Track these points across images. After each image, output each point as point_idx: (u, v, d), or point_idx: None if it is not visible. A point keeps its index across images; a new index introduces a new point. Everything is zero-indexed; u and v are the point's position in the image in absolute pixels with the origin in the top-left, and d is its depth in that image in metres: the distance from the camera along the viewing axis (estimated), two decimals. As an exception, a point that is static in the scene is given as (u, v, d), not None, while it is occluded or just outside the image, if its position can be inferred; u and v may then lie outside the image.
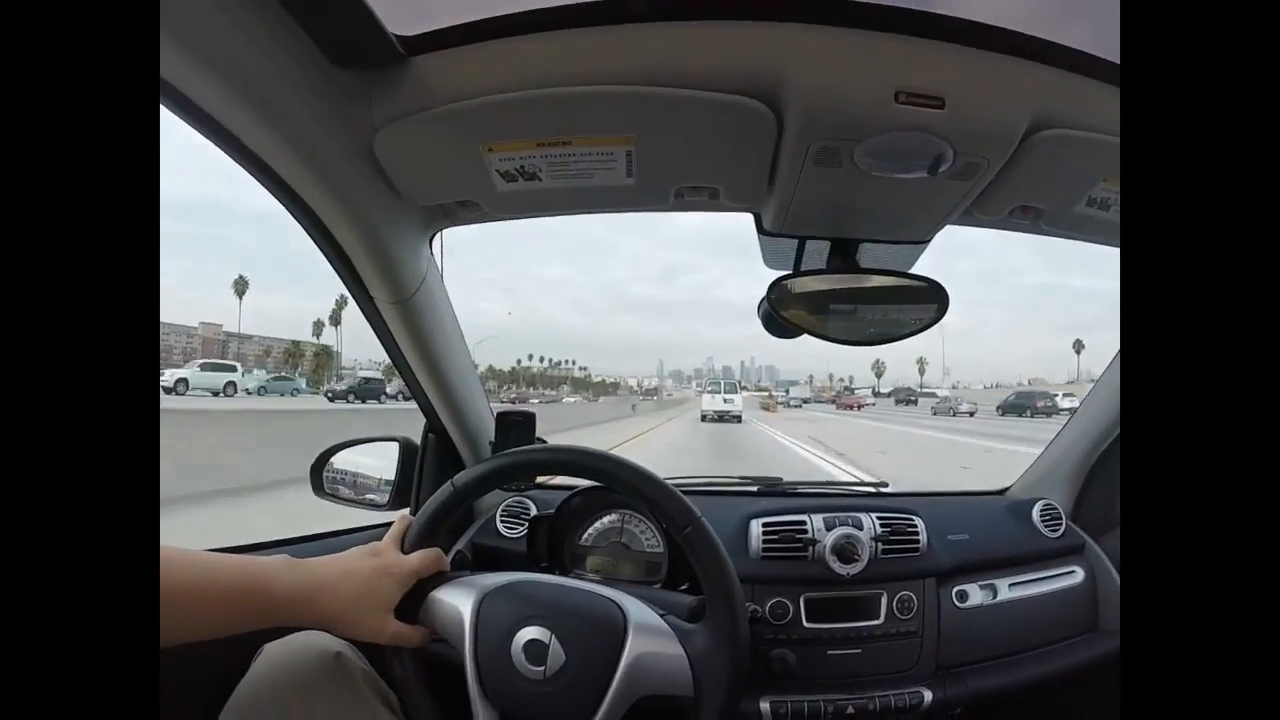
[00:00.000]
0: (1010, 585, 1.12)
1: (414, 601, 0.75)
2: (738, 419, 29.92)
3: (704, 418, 30.57)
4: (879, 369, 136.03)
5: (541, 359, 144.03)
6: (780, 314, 0.86)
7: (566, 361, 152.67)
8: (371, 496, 1.19)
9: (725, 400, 31.75)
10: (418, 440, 1.21)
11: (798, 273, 0.90)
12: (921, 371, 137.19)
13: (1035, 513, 1.23)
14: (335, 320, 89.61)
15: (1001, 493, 1.42)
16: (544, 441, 1.10)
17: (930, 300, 0.86)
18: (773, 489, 1.35)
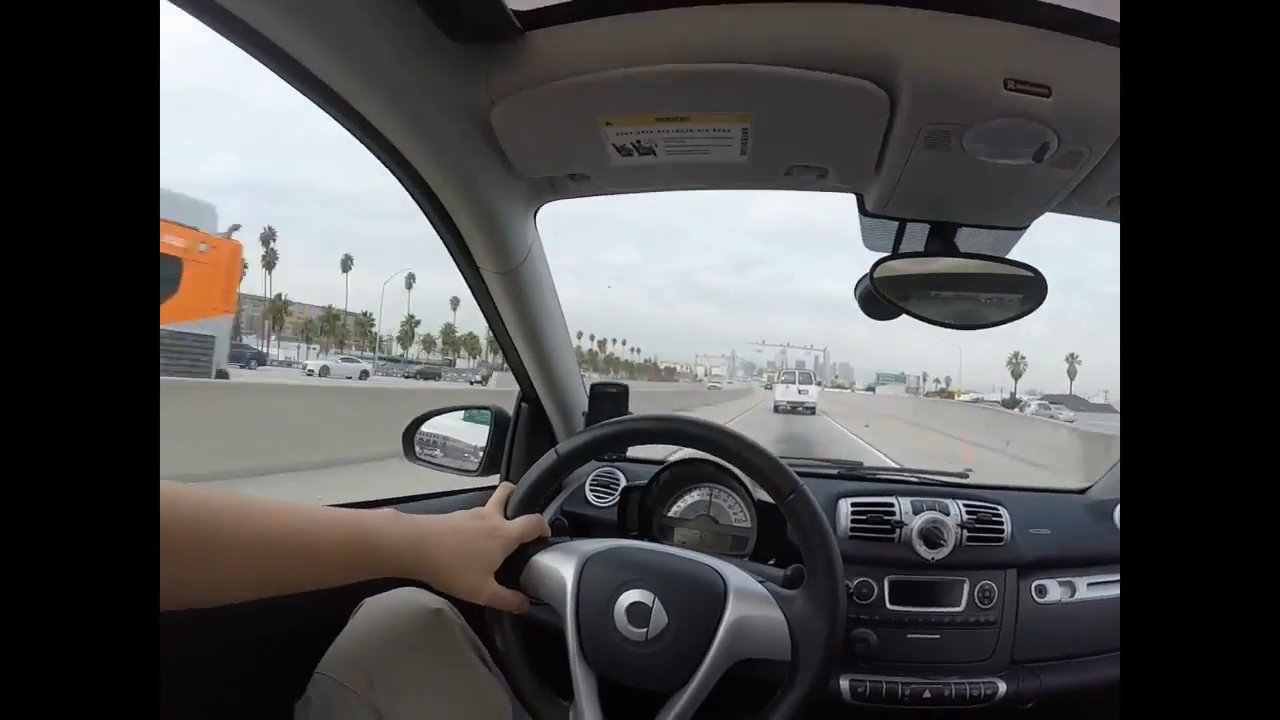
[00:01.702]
0: (1089, 585, 1.16)
1: (515, 566, 0.81)
2: (811, 410, 30.00)
3: (777, 408, 30.65)
4: (1018, 368, 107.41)
5: (592, 337, 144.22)
6: (881, 293, 0.92)
7: (614, 340, 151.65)
8: (462, 463, 1.31)
9: (800, 391, 32.25)
10: (509, 410, 1.32)
11: (897, 254, 0.96)
12: (1072, 375, 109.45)
13: (1117, 514, 1.25)
14: (268, 264, 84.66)
15: (1083, 491, 1.44)
16: (633, 413, 1.17)
17: (1028, 287, 0.91)
18: (854, 473, 1.42)
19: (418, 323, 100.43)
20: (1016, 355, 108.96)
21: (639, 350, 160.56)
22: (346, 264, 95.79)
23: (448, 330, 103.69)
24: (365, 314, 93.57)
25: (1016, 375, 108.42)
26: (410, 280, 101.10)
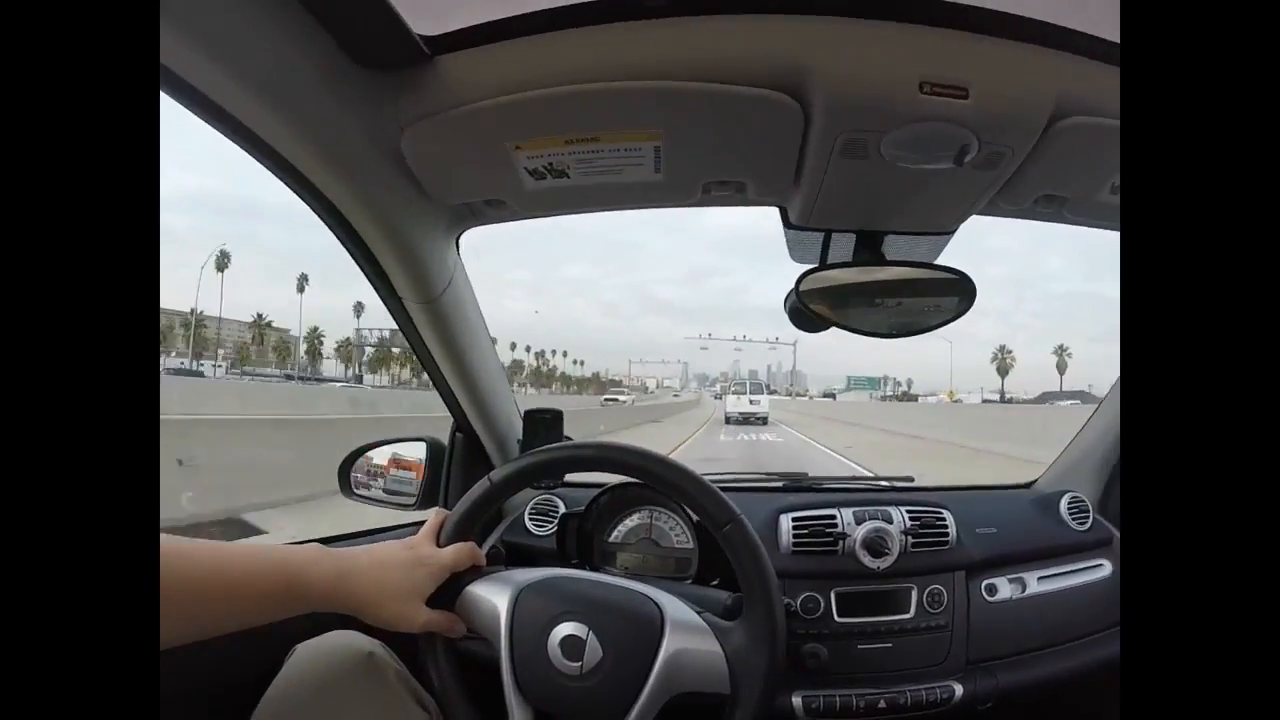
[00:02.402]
0: (1039, 579, 1.19)
1: (448, 596, 0.80)
2: (764, 420, 30.09)
3: (728, 420, 30.69)
4: (1004, 363, 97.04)
5: (528, 348, 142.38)
6: (807, 307, 0.93)
7: (553, 352, 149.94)
8: (400, 497, 1.28)
9: (751, 401, 32.54)
10: (444, 440, 1.30)
11: (824, 266, 0.97)
12: (1062, 369, 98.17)
13: (1063, 505, 1.29)
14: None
15: (1028, 485, 1.48)
16: (571, 439, 1.17)
17: (957, 290, 0.93)
18: (799, 484, 1.42)
19: (268, 324, 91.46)
20: (1002, 349, 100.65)
21: (583, 363, 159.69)
22: (221, 262, 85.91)
23: (312, 334, 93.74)
24: (194, 310, 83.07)
25: (1003, 372, 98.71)
26: (303, 281, 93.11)
